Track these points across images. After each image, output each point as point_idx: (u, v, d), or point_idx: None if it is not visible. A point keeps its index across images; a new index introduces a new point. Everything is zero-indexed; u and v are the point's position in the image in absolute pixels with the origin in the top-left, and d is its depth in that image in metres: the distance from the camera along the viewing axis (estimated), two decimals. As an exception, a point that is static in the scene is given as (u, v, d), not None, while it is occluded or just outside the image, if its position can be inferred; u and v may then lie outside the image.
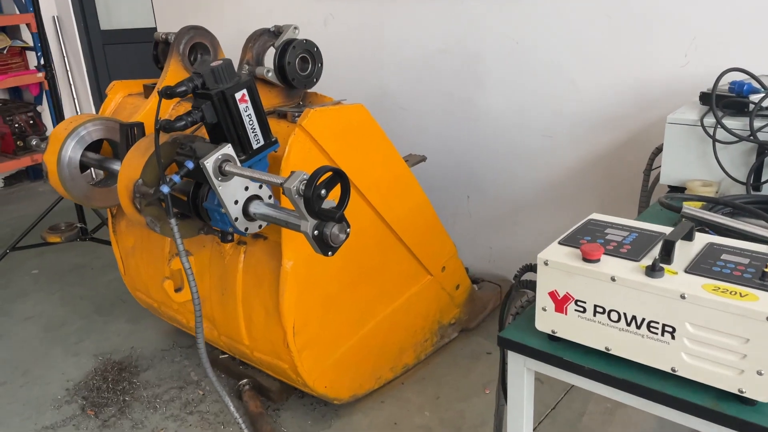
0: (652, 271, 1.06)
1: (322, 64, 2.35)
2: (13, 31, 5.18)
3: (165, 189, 1.76)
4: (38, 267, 4.02)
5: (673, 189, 1.93)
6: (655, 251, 1.14)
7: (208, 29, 2.66)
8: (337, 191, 1.62)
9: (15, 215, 4.97)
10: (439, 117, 3.38)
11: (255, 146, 1.89)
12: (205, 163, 1.76)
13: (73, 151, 2.34)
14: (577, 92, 2.88)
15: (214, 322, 2.57)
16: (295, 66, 2.25)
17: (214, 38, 2.69)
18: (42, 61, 4.14)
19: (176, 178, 1.77)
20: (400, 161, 2.48)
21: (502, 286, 3.23)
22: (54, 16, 5.38)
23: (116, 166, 2.40)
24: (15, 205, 5.26)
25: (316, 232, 1.66)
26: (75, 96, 5.52)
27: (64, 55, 5.43)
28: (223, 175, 1.80)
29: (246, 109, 1.84)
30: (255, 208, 1.88)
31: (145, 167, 1.99)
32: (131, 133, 2.24)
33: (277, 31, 2.33)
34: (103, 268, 3.96)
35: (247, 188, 1.88)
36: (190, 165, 1.78)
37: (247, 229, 1.92)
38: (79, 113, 5.48)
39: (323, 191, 1.56)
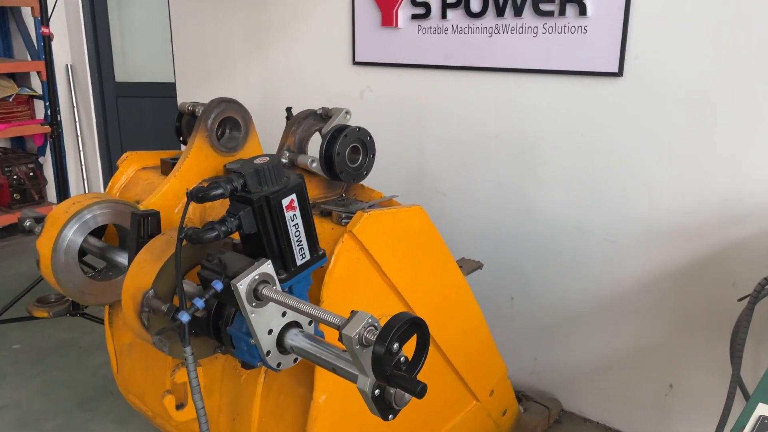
0: None
1: (374, 155, 2.00)
2: (22, 78, 4.89)
3: (185, 317, 1.38)
4: (20, 341, 3.59)
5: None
6: None
7: (236, 98, 2.33)
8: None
9: (5, 273, 4.56)
10: (483, 207, 3.02)
11: (299, 262, 1.52)
12: (237, 285, 1.38)
13: (74, 236, 1.97)
14: (649, 195, 2.53)
15: (220, 450, 2.14)
16: (345, 157, 1.90)
17: (246, 113, 2.35)
18: (49, 112, 3.83)
19: (199, 303, 1.39)
20: (457, 272, 2.11)
21: (551, 408, 2.81)
22: (67, 65, 5.11)
23: (121, 257, 2.03)
24: (6, 261, 4.85)
25: (377, 392, 1.27)
26: (81, 148, 5.20)
27: (74, 105, 5.13)
28: (258, 300, 1.42)
29: (293, 218, 1.47)
30: (293, 340, 1.49)
31: (158, 276, 1.61)
32: (144, 223, 1.86)
33: (325, 114, 1.99)
34: (92, 348, 3.53)
35: (284, 314, 1.50)
36: (218, 286, 1.41)
37: (279, 364, 1.53)
38: (83, 167, 5.15)
39: (396, 345, 1.18)
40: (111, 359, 2.54)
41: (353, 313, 1.26)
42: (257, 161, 1.46)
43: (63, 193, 3.66)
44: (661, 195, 2.50)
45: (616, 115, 2.55)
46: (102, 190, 5.34)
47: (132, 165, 2.46)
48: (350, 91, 3.40)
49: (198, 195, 1.39)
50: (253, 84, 3.87)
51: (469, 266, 2.37)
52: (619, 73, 2.49)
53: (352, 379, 1.32)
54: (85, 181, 5.24)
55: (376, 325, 1.25)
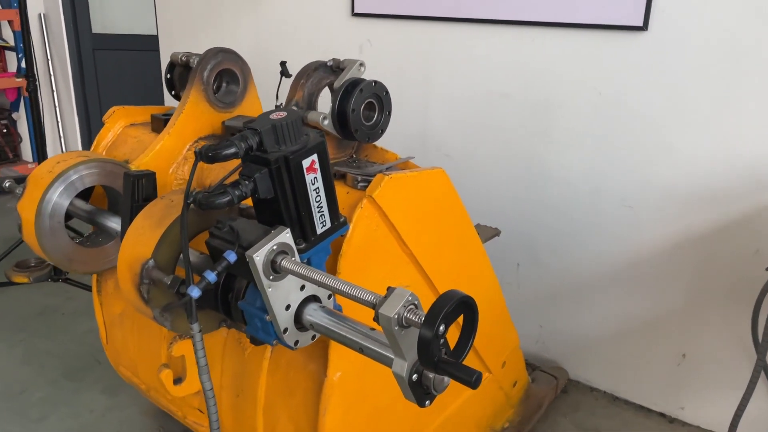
0: None
1: (390, 112, 1.83)
2: (-9, 28, 4.59)
3: (195, 293, 1.22)
4: (-1, 308, 3.42)
5: None
6: None
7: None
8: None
9: (-23, 236, 4.34)
10: (491, 169, 2.88)
11: (319, 231, 1.36)
12: (254, 257, 1.22)
13: (59, 199, 1.79)
14: (671, 158, 2.41)
15: (221, 428, 2.00)
16: (359, 114, 1.73)
17: (245, 65, 2.16)
18: (24, 64, 3.57)
19: (211, 277, 1.24)
20: (476, 240, 1.97)
21: (558, 378, 2.72)
22: (40, 14, 4.79)
23: (112, 222, 1.86)
24: (-22, 223, 4.62)
25: (415, 377, 1.13)
26: (57, 104, 4.92)
27: (49, 58, 4.84)
28: (276, 272, 1.27)
29: (314, 182, 1.31)
30: (313, 316, 1.35)
31: (159, 245, 1.45)
32: (139, 185, 1.69)
33: (336, 66, 1.82)
34: (76, 315, 3.36)
35: (303, 287, 1.35)
36: (231, 257, 1.25)
37: (297, 342, 1.39)
38: (60, 123, 4.89)
39: (442, 327, 1.04)
40: (100, 330, 2.38)
41: (390, 290, 1.12)
42: (274, 116, 1.29)
43: (41, 151, 3.43)
44: (684, 158, 2.38)
45: (638, 73, 2.40)
46: (80, 148, 5.09)
47: (119, 121, 2.26)
48: (348, 45, 3.20)
49: (209, 154, 1.22)
50: (242, 37, 3.64)
51: (486, 233, 2.24)
52: (644, 27, 2.33)
53: (385, 362, 1.19)
54: (62, 138, 4.98)
55: (416, 303, 1.11)
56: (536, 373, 2.73)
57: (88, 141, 5.01)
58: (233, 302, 1.42)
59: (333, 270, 1.56)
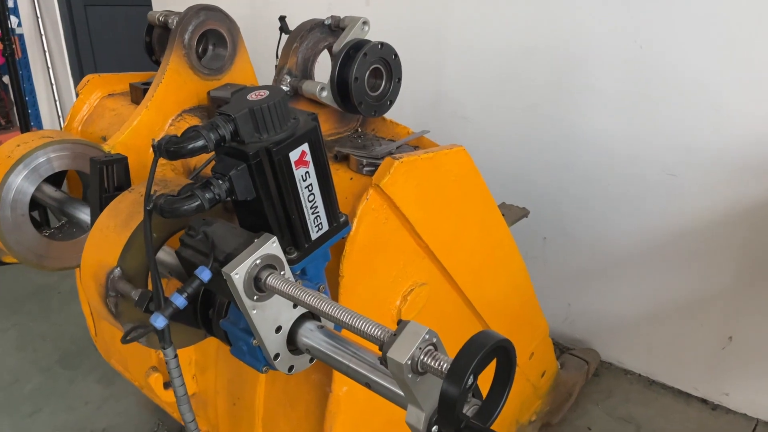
0: None
1: (400, 80, 1.56)
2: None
3: (160, 323, 0.99)
4: (-8, 287, 3.24)
5: None
6: None
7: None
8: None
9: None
10: (513, 134, 2.60)
11: (314, 236, 1.12)
12: (232, 275, 0.98)
13: (21, 186, 1.55)
14: (722, 121, 2.11)
15: (218, 434, 1.81)
16: (364, 83, 1.46)
17: (233, 24, 1.88)
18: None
19: (180, 301, 1.00)
20: (501, 224, 1.71)
21: (590, 362, 2.49)
22: (26, -32, 4.48)
23: (84, 213, 1.62)
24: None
25: (435, 429, 0.90)
26: (50, 67, 4.64)
27: (38, 16, 4.53)
28: (260, 292, 1.03)
29: (305, 177, 1.06)
30: (309, 338, 1.11)
31: (125, 251, 1.21)
32: (108, 173, 1.45)
33: (335, 25, 1.53)
34: (74, 293, 3.16)
35: (296, 304, 1.12)
36: (205, 275, 1.01)
37: (292, 368, 1.16)
38: (54, 86, 4.63)
39: (471, 379, 0.80)
40: (87, 321, 2.19)
41: (402, 324, 0.88)
42: (251, 96, 1.03)
43: (23, 119, 3.19)
44: (734, 121, 2.08)
45: (683, 22, 2.08)
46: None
47: (95, 91, 2.01)
48: (354, -4, 2.89)
49: (169, 149, 0.97)
50: (239, -12, 3.33)
51: (513, 214, 1.97)
52: (693, -32, 2.01)
53: (398, 402, 0.96)
54: (57, 103, 4.71)
55: (435, 341, 0.87)
56: (565, 357, 2.51)
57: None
58: (215, 320, 1.19)
59: (334, 273, 1.32)
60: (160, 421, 2.36)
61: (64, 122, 4.63)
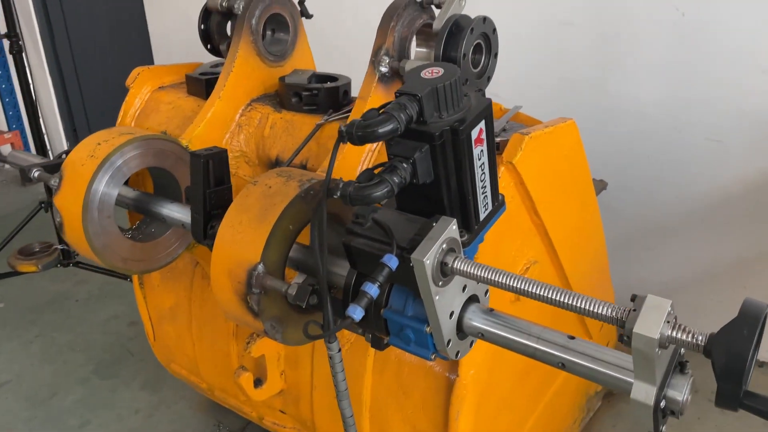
0: None
1: (497, 55, 1.52)
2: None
3: (358, 314, 0.94)
4: (3, 298, 3.07)
5: None
6: None
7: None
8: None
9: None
10: (550, 105, 2.55)
11: (483, 215, 1.08)
12: (424, 261, 0.94)
13: (107, 189, 1.46)
14: (766, 84, 2.15)
15: (314, 430, 1.77)
16: (469, 61, 1.42)
17: (294, 8, 1.82)
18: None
19: (373, 291, 0.95)
20: (593, 197, 1.72)
21: (640, 329, 2.53)
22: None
23: (168, 209, 1.54)
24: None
25: (663, 403, 0.89)
26: (26, 59, 4.34)
27: (12, 3, 4.25)
28: (444, 276, 1.00)
29: (480, 156, 1.02)
30: (481, 322, 1.08)
31: (267, 246, 1.15)
32: (208, 167, 1.37)
33: (427, 2, 1.49)
34: (91, 301, 3.05)
35: (465, 288, 1.08)
36: (393, 263, 0.96)
37: (458, 353, 1.12)
38: (31, 78, 4.35)
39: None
40: (145, 326, 2.10)
41: (639, 299, 0.86)
42: (426, 75, 0.98)
43: (35, 120, 3.02)
44: (782, 83, 2.13)
45: (730, -12, 2.11)
46: (55, 108, 4.59)
47: (146, 84, 1.91)
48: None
49: (359, 134, 0.92)
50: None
51: (597, 187, 1.97)
52: (741, -66, 2.03)
53: (622, 386, 0.94)
54: (34, 95, 4.42)
55: (673, 312, 0.85)
56: (615, 327, 2.54)
57: (64, 99, 4.52)
58: (372, 310, 1.14)
59: (470, 255, 1.28)
60: (220, 423, 2.28)
61: (42, 121, 4.41)
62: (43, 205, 2.93)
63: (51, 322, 2.90)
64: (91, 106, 4.60)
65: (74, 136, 4.64)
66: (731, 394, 0.78)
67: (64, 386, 2.50)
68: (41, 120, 4.37)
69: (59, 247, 2.96)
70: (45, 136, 4.24)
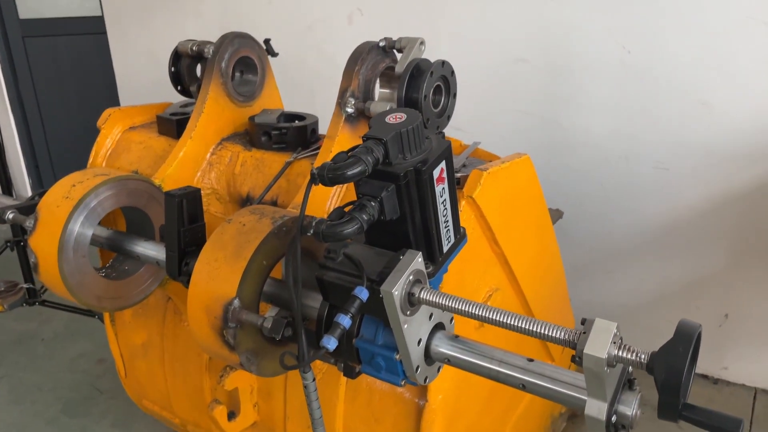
0: None
1: (455, 95, 1.62)
2: None
3: (332, 344, 1.00)
4: (-35, 339, 3.03)
5: None
6: None
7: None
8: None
9: None
10: (507, 139, 2.70)
11: (446, 248, 1.16)
12: (393, 292, 1.01)
13: (82, 229, 1.50)
14: (709, 116, 2.30)
15: (288, 461, 1.80)
16: (430, 102, 1.52)
17: (262, 51, 1.90)
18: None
19: (346, 321, 1.02)
20: (550, 227, 1.81)
21: (600, 351, 2.62)
22: (-46, 0, 4.22)
23: (141, 247, 1.58)
24: None
25: (614, 418, 0.97)
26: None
27: (-28, 51, 4.28)
28: (411, 306, 1.07)
29: (442, 193, 1.10)
30: (448, 348, 1.15)
31: (242, 281, 1.21)
32: (182, 207, 1.42)
33: (389, 47, 1.58)
34: (57, 340, 3.03)
35: (431, 316, 1.16)
36: (363, 294, 1.03)
37: (426, 378, 1.19)
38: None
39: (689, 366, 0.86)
40: (117, 362, 2.11)
41: (587, 322, 0.94)
42: (390, 120, 1.06)
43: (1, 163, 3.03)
44: (723, 115, 2.28)
45: (670, 24, 2.26)
46: (19, 152, 4.57)
47: (117, 124, 1.96)
48: (335, 14, 2.92)
49: (330, 176, 0.99)
50: (207, 13, 3.29)
51: (553, 216, 2.08)
52: (676, -24, 2.19)
53: (557, 399, 1.02)
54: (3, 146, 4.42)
55: (618, 333, 0.94)
56: (577, 349, 2.63)
57: (28, 143, 4.50)
58: (345, 340, 1.20)
59: (436, 285, 1.36)
60: (192, 458, 2.29)
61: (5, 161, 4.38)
62: (8, 244, 2.92)
63: (17, 362, 2.87)
64: (54, 146, 4.59)
65: (37, 174, 4.62)
66: (671, 406, 0.86)
67: (33, 427, 2.47)
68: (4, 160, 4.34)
69: (25, 285, 2.95)
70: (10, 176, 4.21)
